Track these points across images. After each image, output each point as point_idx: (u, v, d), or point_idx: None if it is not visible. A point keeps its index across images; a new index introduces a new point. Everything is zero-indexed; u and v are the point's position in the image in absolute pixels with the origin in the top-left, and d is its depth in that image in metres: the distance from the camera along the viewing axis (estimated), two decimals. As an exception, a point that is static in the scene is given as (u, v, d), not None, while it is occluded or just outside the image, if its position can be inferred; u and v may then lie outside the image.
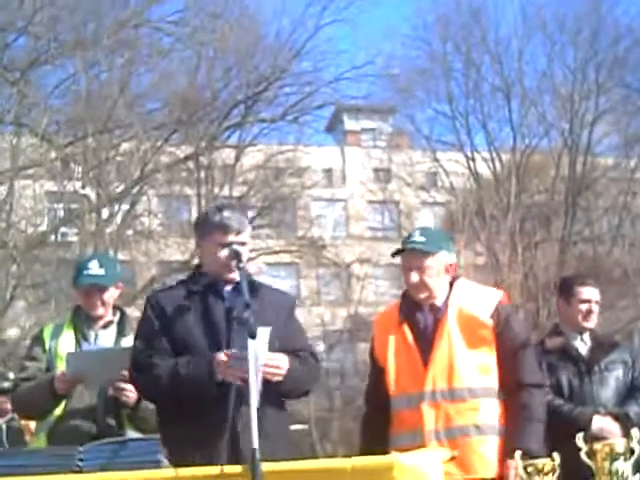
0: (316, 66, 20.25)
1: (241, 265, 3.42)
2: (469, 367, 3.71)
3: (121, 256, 18.18)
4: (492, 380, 3.76)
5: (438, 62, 22.53)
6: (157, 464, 3.12)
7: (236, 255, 3.43)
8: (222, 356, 3.30)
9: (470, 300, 3.82)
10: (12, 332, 15.91)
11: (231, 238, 3.49)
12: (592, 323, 4.63)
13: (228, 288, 3.51)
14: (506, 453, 3.63)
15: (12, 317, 16.94)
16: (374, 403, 3.93)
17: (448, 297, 3.83)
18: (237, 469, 3.05)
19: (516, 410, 3.72)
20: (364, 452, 3.65)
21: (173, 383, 3.37)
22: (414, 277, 3.78)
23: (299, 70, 20.10)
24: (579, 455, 3.58)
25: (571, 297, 4.68)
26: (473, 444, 3.67)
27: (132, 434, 3.97)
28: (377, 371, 3.90)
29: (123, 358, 3.88)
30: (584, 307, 4.62)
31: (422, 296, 3.81)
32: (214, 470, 3.06)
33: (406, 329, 3.81)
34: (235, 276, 3.48)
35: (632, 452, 3.49)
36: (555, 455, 3.42)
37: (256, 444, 3.01)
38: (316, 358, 3.62)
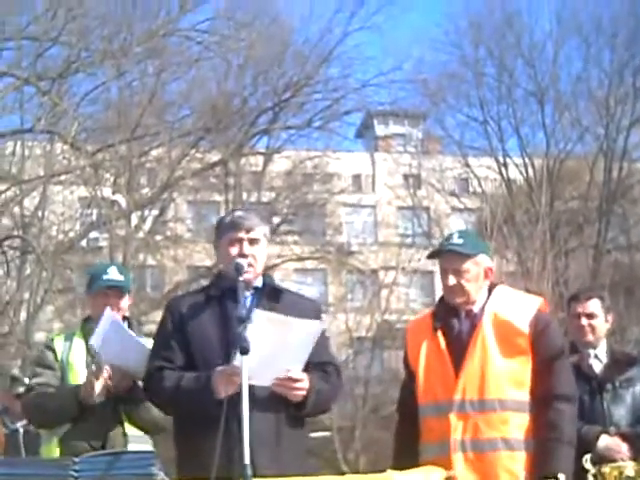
0: (344, 72, 20.31)
1: (241, 278, 3.36)
2: (502, 378, 3.58)
3: (150, 261, 18.35)
4: (525, 394, 3.62)
5: (470, 67, 22.40)
6: (151, 477, 3.12)
7: (237, 269, 3.38)
8: (220, 372, 3.26)
9: (508, 307, 3.68)
10: (41, 336, 16.09)
11: (241, 234, 3.46)
12: (590, 337, 4.52)
13: (248, 293, 3.46)
14: (537, 478, 3.49)
15: (42, 321, 17.16)
16: (406, 412, 3.82)
17: (485, 303, 3.70)
18: (228, 483, 3.04)
19: (545, 429, 3.57)
20: (396, 462, 3.59)
21: (176, 397, 3.38)
22: (451, 280, 3.66)
23: (327, 76, 20.18)
24: (586, 477, 3.48)
25: (568, 314, 4.64)
26: (501, 459, 3.54)
27: (133, 433, 4.02)
28: (409, 379, 3.80)
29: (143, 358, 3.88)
30: (575, 322, 4.54)
31: (459, 300, 3.68)
32: (204, 485, 3.05)
33: (440, 335, 3.69)
34: (250, 276, 3.44)
35: (643, 476, 3.38)
36: (561, 476, 3.34)
37: (247, 459, 2.99)
38: (339, 373, 3.56)
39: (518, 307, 3.69)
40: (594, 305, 4.56)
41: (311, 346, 3.30)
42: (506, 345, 3.61)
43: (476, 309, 3.70)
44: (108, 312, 3.97)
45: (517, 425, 3.58)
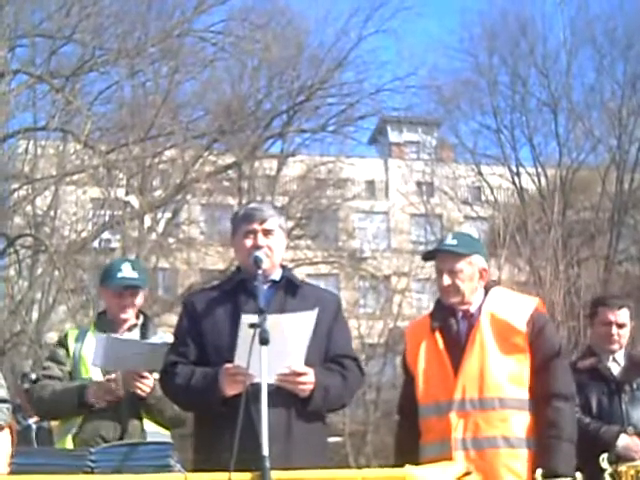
0: (359, 77, 20.28)
1: (260, 272, 3.33)
2: (501, 376, 3.61)
3: (162, 264, 18.33)
4: (525, 392, 3.64)
5: (484, 75, 22.39)
6: (168, 468, 3.09)
7: (256, 261, 3.35)
8: (224, 371, 3.24)
9: (505, 306, 3.71)
10: (53, 336, 16.09)
11: (255, 226, 3.42)
12: (616, 345, 4.52)
13: (265, 286, 3.40)
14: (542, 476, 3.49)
15: (54, 321, 17.16)
16: (406, 413, 3.85)
17: (482, 303, 3.72)
18: (247, 476, 3.00)
19: (544, 428, 3.59)
20: (397, 462, 3.58)
21: (186, 394, 3.37)
22: (446, 280, 3.69)
23: (342, 80, 20.15)
24: (603, 476, 3.48)
25: (594, 318, 4.60)
26: (501, 456, 3.56)
27: (151, 429, 3.99)
28: (409, 380, 3.84)
29: (155, 354, 3.87)
30: (604, 330, 4.51)
31: (454, 300, 3.71)
32: (222, 477, 3.01)
33: (438, 336, 3.72)
34: (266, 267, 3.40)
35: (660, 475, 3.38)
36: (578, 475, 3.32)
37: (266, 451, 2.94)
38: (360, 366, 3.50)
39: (515, 307, 3.70)
40: (625, 315, 4.54)
41: (308, 337, 3.25)
42: (504, 344, 3.63)
43: (473, 309, 3.71)
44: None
45: (517, 423, 3.59)
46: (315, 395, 3.29)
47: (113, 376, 3.96)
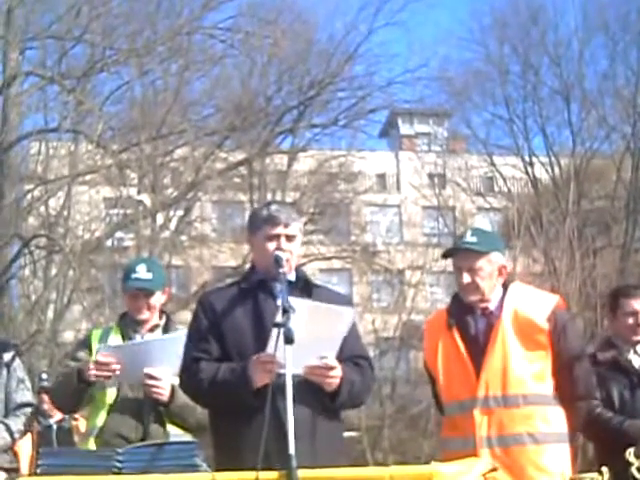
0: (369, 70, 20.26)
1: (281, 270, 3.33)
2: (524, 373, 3.62)
3: (175, 261, 18.38)
4: (547, 387, 3.65)
5: (495, 65, 22.29)
6: (194, 468, 3.09)
7: (277, 260, 3.36)
8: (255, 360, 3.23)
9: (526, 303, 3.70)
10: (69, 335, 16.18)
11: (279, 230, 3.43)
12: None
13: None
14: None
15: (70, 320, 17.25)
16: (442, 410, 3.87)
17: (502, 300, 3.71)
18: (273, 475, 2.99)
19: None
20: None
21: (213, 390, 3.35)
22: (466, 278, 3.68)
23: (352, 74, 20.13)
24: (629, 470, 3.46)
25: (616, 309, 4.55)
26: (528, 453, 3.57)
27: (175, 432, 3.99)
28: (432, 379, 3.85)
29: (163, 349, 3.87)
30: (629, 320, 4.47)
31: (473, 298, 3.70)
32: (250, 475, 3.01)
33: (455, 334, 3.71)
34: (285, 270, 3.39)
35: (686, 469, 3.36)
36: (604, 470, 3.30)
37: (292, 450, 2.94)
38: (372, 366, 3.53)
39: (536, 303, 3.70)
40: None
41: (344, 333, 3.26)
42: (526, 341, 3.63)
43: (492, 307, 3.70)
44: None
45: (541, 418, 3.60)
46: (342, 390, 3.30)
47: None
